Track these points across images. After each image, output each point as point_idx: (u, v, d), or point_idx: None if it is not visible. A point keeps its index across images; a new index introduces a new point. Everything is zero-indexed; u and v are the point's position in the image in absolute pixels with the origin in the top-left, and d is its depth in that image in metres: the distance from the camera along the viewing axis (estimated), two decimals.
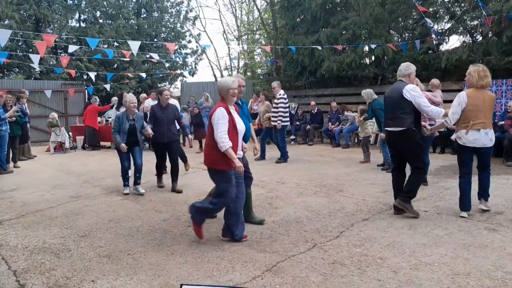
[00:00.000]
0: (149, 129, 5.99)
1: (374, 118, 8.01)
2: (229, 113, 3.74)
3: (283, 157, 8.80)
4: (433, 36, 10.45)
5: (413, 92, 4.44)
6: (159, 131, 6.09)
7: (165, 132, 6.13)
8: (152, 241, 4.02)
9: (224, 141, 3.61)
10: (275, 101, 8.79)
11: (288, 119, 8.91)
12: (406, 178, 4.73)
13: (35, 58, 9.64)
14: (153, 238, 4.11)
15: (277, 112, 8.72)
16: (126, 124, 5.96)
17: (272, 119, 8.88)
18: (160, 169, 6.58)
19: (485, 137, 4.38)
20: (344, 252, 3.60)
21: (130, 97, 6.09)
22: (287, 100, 8.91)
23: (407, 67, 4.69)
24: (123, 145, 5.86)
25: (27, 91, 11.09)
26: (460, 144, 4.48)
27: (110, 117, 12.66)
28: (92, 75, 13.20)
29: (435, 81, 7.55)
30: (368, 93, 7.91)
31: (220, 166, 3.72)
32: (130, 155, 6.11)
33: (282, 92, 8.90)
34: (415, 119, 4.54)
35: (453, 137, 4.64)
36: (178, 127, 6.49)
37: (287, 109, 8.90)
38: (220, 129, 3.64)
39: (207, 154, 3.84)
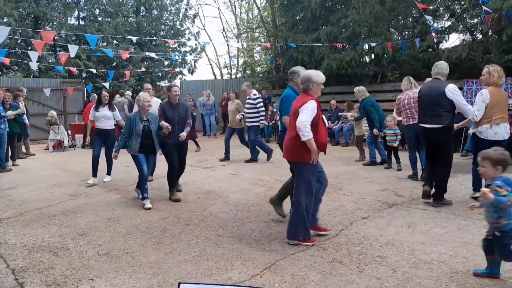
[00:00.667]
0: (165, 123, 5.35)
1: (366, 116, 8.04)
2: (319, 109, 3.72)
3: (254, 156, 8.72)
4: (433, 34, 10.43)
5: (454, 91, 4.75)
6: (171, 131, 5.43)
7: (177, 132, 5.52)
8: (151, 239, 4.02)
9: (308, 131, 3.55)
10: (252, 101, 8.50)
11: (258, 118, 8.56)
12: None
13: (33, 56, 9.61)
14: (152, 236, 4.11)
15: (258, 112, 8.48)
16: (139, 125, 5.27)
17: (250, 120, 8.55)
18: (173, 177, 5.69)
19: (504, 131, 4.78)
20: (343, 251, 3.59)
21: (143, 95, 5.41)
22: (261, 99, 8.82)
23: (447, 67, 5.11)
24: (116, 154, 5.52)
25: (25, 89, 11.06)
26: (481, 138, 4.81)
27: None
28: (93, 71, 13.19)
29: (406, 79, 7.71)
30: (361, 90, 7.99)
31: (309, 159, 3.68)
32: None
33: (255, 91, 8.82)
34: (452, 117, 4.84)
35: (471, 131, 5.08)
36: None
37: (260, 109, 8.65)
38: (306, 118, 3.57)
39: (293, 148, 3.75)
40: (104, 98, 7.04)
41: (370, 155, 8.04)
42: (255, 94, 8.67)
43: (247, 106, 8.63)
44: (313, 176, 3.79)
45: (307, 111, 3.58)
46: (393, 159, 7.49)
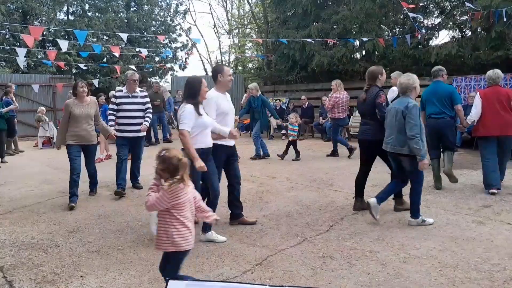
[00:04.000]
0: None
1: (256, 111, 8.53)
2: None
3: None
4: (422, 31, 10.51)
5: None
6: None
7: None
8: (142, 236, 4.00)
9: None
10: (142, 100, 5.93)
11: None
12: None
13: (21, 52, 9.45)
14: (143, 233, 4.08)
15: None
16: None
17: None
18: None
19: None
20: (333, 246, 3.61)
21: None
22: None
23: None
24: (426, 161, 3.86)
25: (13, 85, 10.90)
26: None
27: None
28: (81, 65, 13.06)
29: (337, 81, 8.60)
30: (257, 87, 8.66)
31: None
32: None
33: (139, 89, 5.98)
34: None
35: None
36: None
37: None
38: None
39: None
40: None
41: (257, 149, 8.54)
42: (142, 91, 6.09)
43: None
44: None
45: None
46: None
